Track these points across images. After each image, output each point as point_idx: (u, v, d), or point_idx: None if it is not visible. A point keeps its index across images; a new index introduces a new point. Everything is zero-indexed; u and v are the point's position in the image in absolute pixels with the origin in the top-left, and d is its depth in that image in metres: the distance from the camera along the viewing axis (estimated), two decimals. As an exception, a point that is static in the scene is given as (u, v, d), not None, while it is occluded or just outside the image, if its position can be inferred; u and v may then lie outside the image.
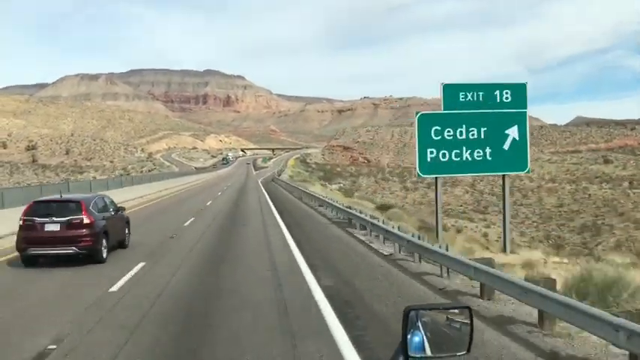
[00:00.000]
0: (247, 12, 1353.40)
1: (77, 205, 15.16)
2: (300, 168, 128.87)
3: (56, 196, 17.07)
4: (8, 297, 11.81)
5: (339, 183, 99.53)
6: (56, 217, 14.84)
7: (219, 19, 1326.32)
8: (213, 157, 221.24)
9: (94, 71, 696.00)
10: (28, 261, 14.94)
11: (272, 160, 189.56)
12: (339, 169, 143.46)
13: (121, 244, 17.69)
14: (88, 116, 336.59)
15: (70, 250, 14.67)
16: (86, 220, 14.86)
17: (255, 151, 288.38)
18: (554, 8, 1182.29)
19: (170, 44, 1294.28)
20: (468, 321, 2.73)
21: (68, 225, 14.71)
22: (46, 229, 14.68)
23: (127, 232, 18.33)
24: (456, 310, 2.81)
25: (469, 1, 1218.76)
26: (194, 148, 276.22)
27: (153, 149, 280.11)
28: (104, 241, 15.43)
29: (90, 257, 15.02)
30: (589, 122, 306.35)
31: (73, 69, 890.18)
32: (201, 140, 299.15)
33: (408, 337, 2.65)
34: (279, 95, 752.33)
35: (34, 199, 17.58)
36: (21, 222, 14.95)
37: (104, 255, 15.40)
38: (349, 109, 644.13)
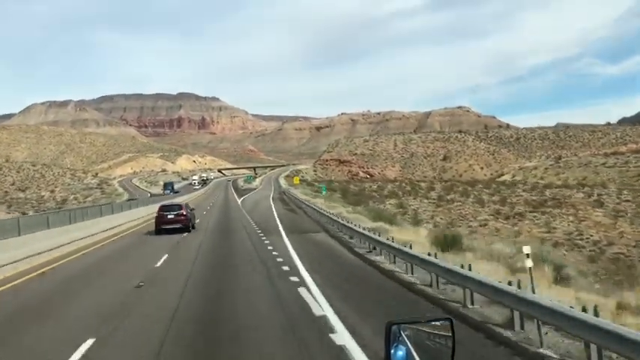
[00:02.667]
0: (220, 34, 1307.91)
1: (179, 206, 33.37)
2: (307, 189, 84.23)
3: (172, 202, 39.94)
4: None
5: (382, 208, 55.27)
6: (171, 212, 31.95)
7: (191, 42, 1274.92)
8: (184, 179, 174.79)
9: (62, 98, 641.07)
10: (159, 232, 30.92)
11: (259, 179, 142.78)
12: (352, 186, 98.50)
13: (193, 226, 33.02)
14: (44, 142, 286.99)
15: (177, 225, 30.90)
16: (184, 213, 31.72)
17: (234, 170, 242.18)
18: (522, 20, 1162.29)
19: (142, 69, 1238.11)
20: (449, 333, 2.62)
21: (177, 215, 31.41)
22: (167, 217, 31.35)
23: (195, 220, 34.49)
24: (438, 323, 2.67)
25: (441, 15, 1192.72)
26: (163, 170, 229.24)
27: (117, 173, 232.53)
28: (190, 223, 31.94)
29: (185, 229, 31.01)
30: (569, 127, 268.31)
31: (42, 97, 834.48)
32: (172, 162, 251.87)
33: (392, 351, 2.55)
34: (255, 115, 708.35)
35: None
36: (156, 213, 32.57)
37: (190, 229, 31.62)
38: (327, 126, 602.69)
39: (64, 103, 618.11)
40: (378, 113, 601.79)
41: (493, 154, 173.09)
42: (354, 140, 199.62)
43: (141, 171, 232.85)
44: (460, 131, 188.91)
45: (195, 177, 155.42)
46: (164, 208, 32.06)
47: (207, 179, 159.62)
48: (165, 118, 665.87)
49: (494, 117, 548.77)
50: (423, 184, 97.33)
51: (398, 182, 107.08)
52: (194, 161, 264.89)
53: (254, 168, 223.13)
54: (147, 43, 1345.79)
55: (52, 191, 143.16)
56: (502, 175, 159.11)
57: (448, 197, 71.34)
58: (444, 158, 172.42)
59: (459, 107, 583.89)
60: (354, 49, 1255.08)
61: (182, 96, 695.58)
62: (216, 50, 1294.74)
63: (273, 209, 46.71)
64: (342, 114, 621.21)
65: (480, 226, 51.85)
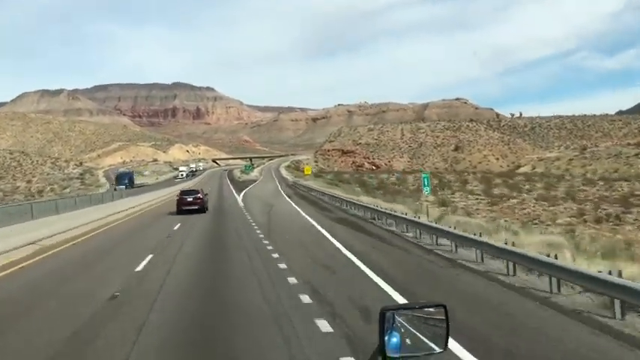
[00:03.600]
0: (216, 23, 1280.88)
1: (196, 191, 37.57)
2: (318, 180, 69.52)
3: (190, 188, 47.28)
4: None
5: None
6: (190, 195, 36.26)
7: (187, 32, 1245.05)
8: (175, 169, 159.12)
9: (55, 87, 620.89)
10: (180, 212, 33.99)
11: (257, 170, 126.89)
12: (366, 178, 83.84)
13: (207, 208, 36.19)
14: (31, 130, 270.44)
15: (195, 207, 34.71)
16: (200, 196, 35.89)
17: (229, 161, 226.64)
18: (520, 12, 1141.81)
19: (137, 58, 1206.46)
20: (443, 318, 2.62)
21: (195, 198, 35.54)
22: (187, 200, 35.40)
23: (208, 203, 37.57)
24: (432, 309, 2.66)
25: (438, 6, 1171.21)
26: (154, 160, 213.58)
27: (106, 163, 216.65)
28: (205, 205, 35.96)
29: (201, 210, 34.69)
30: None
31: (35, 86, 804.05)
32: (164, 151, 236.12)
33: (386, 337, 2.53)
34: (250, 106, 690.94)
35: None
36: (177, 197, 36.73)
37: (205, 210, 35.28)
38: (324, 117, 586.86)
39: (56, 92, 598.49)
40: (376, 105, 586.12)
41: (508, 145, 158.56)
42: (358, 129, 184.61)
43: (131, 160, 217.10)
44: (472, 120, 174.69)
45: (183, 168, 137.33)
46: (184, 193, 37.40)
47: (196, 170, 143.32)
48: (159, 108, 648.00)
49: (492, 109, 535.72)
50: (449, 177, 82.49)
51: (420, 174, 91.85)
52: (187, 151, 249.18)
53: (250, 158, 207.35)
54: (142, 32, 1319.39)
55: (29, 181, 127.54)
56: (519, 166, 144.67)
57: (495, 192, 56.61)
58: (456, 148, 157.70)
59: (457, 99, 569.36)
60: (351, 40, 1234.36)
61: (177, 86, 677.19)
62: (212, 40, 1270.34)
63: (311, 220, 26.31)
64: (338, 105, 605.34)
65: (567, 232, 37.03)
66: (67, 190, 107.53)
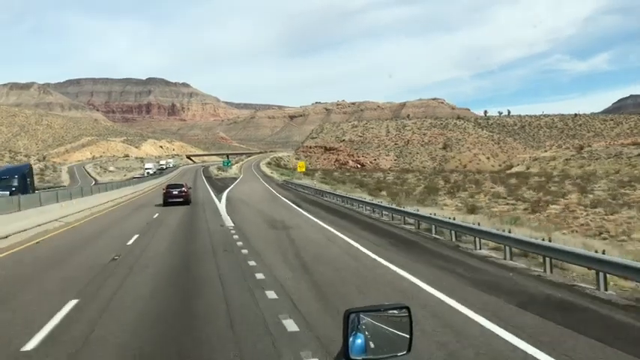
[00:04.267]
0: (193, 20, 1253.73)
1: (182, 185, 39.54)
2: (315, 179, 59.03)
3: (176, 182, 46.68)
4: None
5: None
6: (176, 189, 37.82)
7: (163, 27, 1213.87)
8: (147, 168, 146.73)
9: (26, 81, 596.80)
10: (166, 204, 35.84)
11: (236, 167, 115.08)
12: (360, 177, 73.81)
13: (190, 201, 37.84)
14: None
15: (180, 199, 36.58)
16: (185, 190, 37.81)
17: (204, 158, 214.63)
18: (495, 14, 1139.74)
19: (110, 53, 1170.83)
20: (407, 321, 2.63)
21: (180, 191, 37.35)
22: (173, 193, 37.10)
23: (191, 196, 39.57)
24: (396, 311, 2.66)
25: (415, 6, 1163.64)
26: (126, 155, 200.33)
27: (74, 158, 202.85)
28: (190, 198, 38.06)
29: (186, 203, 36.55)
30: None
31: (4, 79, 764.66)
32: (136, 147, 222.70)
33: (350, 339, 2.53)
34: (227, 103, 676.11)
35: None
36: (164, 190, 38.29)
37: (189, 203, 37.11)
38: (301, 115, 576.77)
39: (26, 86, 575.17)
40: (353, 103, 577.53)
41: (498, 143, 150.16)
42: (341, 125, 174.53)
43: (101, 156, 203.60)
44: (459, 117, 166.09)
45: (149, 164, 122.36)
46: (170, 187, 39.08)
47: (165, 167, 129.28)
48: (134, 104, 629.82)
49: (468, 109, 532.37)
50: (454, 176, 72.77)
51: (418, 173, 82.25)
52: (161, 147, 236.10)
53: (227, 155, 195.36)
54: (116, 26, 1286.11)
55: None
56: (511, 166, 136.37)
57: (523, 194, 46.89)
58: (444, 147, 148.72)
59: (434, 99, 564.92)
60: (329, 39, 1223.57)
61: (152, 81, 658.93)
62: (187, 36, 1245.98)
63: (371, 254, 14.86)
64: (316, 103, 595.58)
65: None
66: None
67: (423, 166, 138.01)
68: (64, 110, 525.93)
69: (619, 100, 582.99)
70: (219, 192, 51.71)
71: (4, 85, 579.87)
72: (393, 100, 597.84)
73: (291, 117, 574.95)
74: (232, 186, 62.02)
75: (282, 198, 43.13)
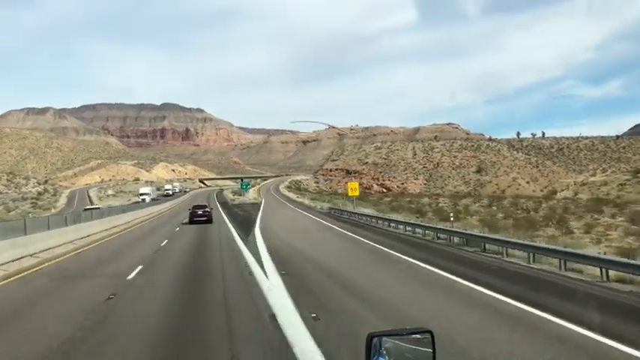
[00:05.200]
0: (207, 46, 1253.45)
1: (205, 206, 45.06)
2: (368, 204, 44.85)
3: (202, 203, 50.02)
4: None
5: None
6: (200, 209, 42.53)
7: (178, 53, 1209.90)
8: (158, 189, 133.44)
9: (42, 106, 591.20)
10: (191, 222, 39.88)
11: (254, 189, 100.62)
12: (411, 205, 59.55)
13: (212, 220, 41.34)
14: (5, 145, 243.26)
15: (204, 219, 40.65)
16: (208, 210, 43.09)
17: (217, 181, 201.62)
18: (507, 40, 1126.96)
19: (126, 79, 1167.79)
20: (430, 346, 2.52)
21: (204, 212, 42.02)
22: (198, 212, 41.67)
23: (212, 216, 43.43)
24: (419, 335, 2.56)
25: (428, 34, 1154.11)
26: (136, 179, 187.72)
27: (82, 182, 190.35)
28: (212, 217, 42.14)
29: (209, 222, 39.99)
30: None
31: (21, 104, 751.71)
32: (147, 170, 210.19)
33: None
34: (240, 128, 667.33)
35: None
36: (190, 210, 43.47)
37: (212, 222, 40.44)
38: (314, 140, 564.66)
39: (42, 111, 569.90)
40: (366, 128, 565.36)
41: (537, 167, 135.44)
42: (364, 147, 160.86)
43: (110, 180, 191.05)
44: (490, 139, 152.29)
45: (145, 189, 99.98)
46: (196, 207, 43.07)
47: (172, 192, 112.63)
48: (148, 129, 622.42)
49: (482, 134, 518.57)
50: (525, 202, 58.36)
51: (472, 198, 67.93)
52: (173, 170, 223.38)
53: (241, 178, 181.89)
54: (132, 52, 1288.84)
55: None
56: (555, 191, 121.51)
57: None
58: (478, 170, 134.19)
59: (448, 124, 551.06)
60: (343, 64, 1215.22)
61: (166, 107, 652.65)
62: (202, 62, 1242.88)
63: None
64: (329, 128, 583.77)
65: None
66: (12, 213, 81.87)
67: (457, 191, 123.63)
68: (79, 135, 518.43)
69: (635, 126, 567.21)
70: (242, 228, 35.14)
71: (21, 110, 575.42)
72: (407, 125, 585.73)
73: (304, 142, 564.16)
74: (259, 216, 47.67)
75: (383, 248, 23.16)
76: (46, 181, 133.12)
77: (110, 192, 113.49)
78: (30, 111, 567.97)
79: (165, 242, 27.18)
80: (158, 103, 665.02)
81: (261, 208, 59.41)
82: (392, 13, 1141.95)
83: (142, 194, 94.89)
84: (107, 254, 23.07)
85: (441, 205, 60.74)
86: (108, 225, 35.47)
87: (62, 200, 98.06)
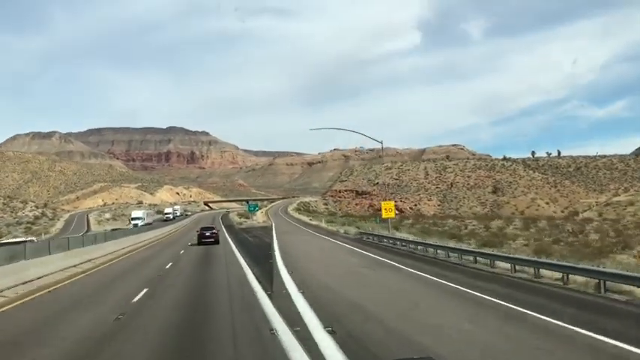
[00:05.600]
0: (212, 70, 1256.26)
1: (213, 227, 48.72)
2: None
3: (209, 225, 53.68)
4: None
5: None
6: (208, 231, 46.06)
7: (184, 77, 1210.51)
8: (160, 212, 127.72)
9: (48, 130, 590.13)
10: (200, 244, 43.41)
11: (260, 213, 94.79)
12: (436, 227, 53.08)
13: (219, 242, 44.63)
14: (7, 169, 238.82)
15: (211, 240, 44.38)
16: (215, 232, 46.51)
17: (222, 203, 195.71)
18: (511, 61, 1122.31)
19: (132, 102, 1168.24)
20: None
21: (211, 233, 45.56)
22: (205, 234, 45.25)
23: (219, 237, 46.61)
24: None
25: (431, 57, 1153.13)
26: (139, 202, 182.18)
27: (84, 206, 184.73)
28: (218, 239, 45.89)
29: (217, 242, 44.03)
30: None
31: (27, 128, 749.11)
32: (151, 193, 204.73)
33: None
34: (245, 150, 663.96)
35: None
36: (198, 232, 47.38)
37: (219, 242, 44.34)
38: (319, 162, 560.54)
39: (48, 135, 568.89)
40: (372, 149, 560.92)
41: (556, 187, 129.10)
42: (374, 168, 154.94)
43: (113, 203, 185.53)
44: (505, 158, 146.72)
45: (137, 212, 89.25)
46: (204, 229, 46.53)
47: (173, 216, 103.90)
48: (153, 152, 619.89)
49: (489, 155, 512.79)
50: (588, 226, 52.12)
51: (500, 220, 61.80)
52: (177, 193, 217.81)
53: (247, 200, 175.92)
54: (138, 76, 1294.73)
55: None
56: (576, 212, 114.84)
57: None
58: (494, 190, 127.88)
59: (454, 145, 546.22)
60: (347, 87, 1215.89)
61: (171, 130, 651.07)
62: (207, 85, 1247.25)
63: None
64: (334, 150, 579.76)
65: None
66: (2, 239, 75.98)
67: (473, 212, 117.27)
68: (84, 159, 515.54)
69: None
70: (258, 263, 25.40)
71: (27, 134, 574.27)
72: (412, 147, 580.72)
73: (310, 164, 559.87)
74: (276, 246, 37.73)
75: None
76: (45, 205, 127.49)
77: (107, 216, 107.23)
78: (36, 135, 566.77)
79: (142, 293, 17.00)
80: (164, 127, 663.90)
81: (274, 233, 52.82)
82: (396, 38, 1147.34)
83: (133, 219, 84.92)
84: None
85: (470, 227, 54.80)
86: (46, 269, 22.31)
87: (59, 225, 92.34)
